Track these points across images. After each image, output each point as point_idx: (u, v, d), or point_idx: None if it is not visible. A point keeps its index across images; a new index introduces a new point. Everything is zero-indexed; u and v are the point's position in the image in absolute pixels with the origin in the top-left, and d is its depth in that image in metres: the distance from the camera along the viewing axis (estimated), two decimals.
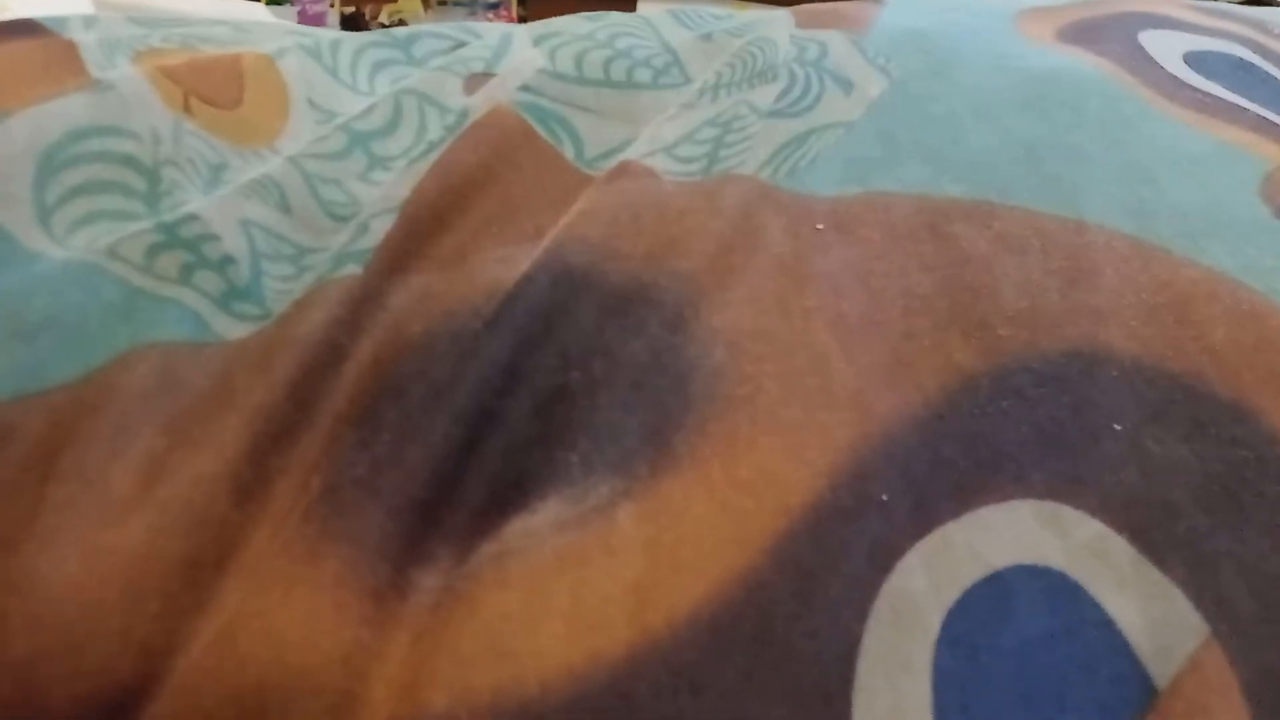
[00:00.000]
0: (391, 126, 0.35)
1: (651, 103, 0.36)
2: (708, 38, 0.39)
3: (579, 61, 0.37)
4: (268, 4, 1.30)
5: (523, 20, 1.39)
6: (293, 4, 1.32)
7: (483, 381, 0.27)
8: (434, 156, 0.33)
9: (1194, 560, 0.23)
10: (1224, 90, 0.35)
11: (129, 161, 0.32)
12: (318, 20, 1.28)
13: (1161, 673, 0.22)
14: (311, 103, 0.37)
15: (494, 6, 1.37)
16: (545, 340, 0.27)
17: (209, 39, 0.40)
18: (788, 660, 0.23)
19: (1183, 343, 0.26)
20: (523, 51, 0.38)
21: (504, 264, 0.30)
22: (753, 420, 0.26)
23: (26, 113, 0.31)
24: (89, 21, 0.41)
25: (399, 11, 1.38)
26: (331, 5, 1.29)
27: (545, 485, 0.25)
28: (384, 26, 1.36)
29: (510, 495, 0.25)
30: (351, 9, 1.37)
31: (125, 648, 0.24)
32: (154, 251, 0.29)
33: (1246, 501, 0.24)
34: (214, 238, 0.30)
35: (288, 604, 0.24)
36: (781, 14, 0.40)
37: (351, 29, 1.33)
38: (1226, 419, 0.25)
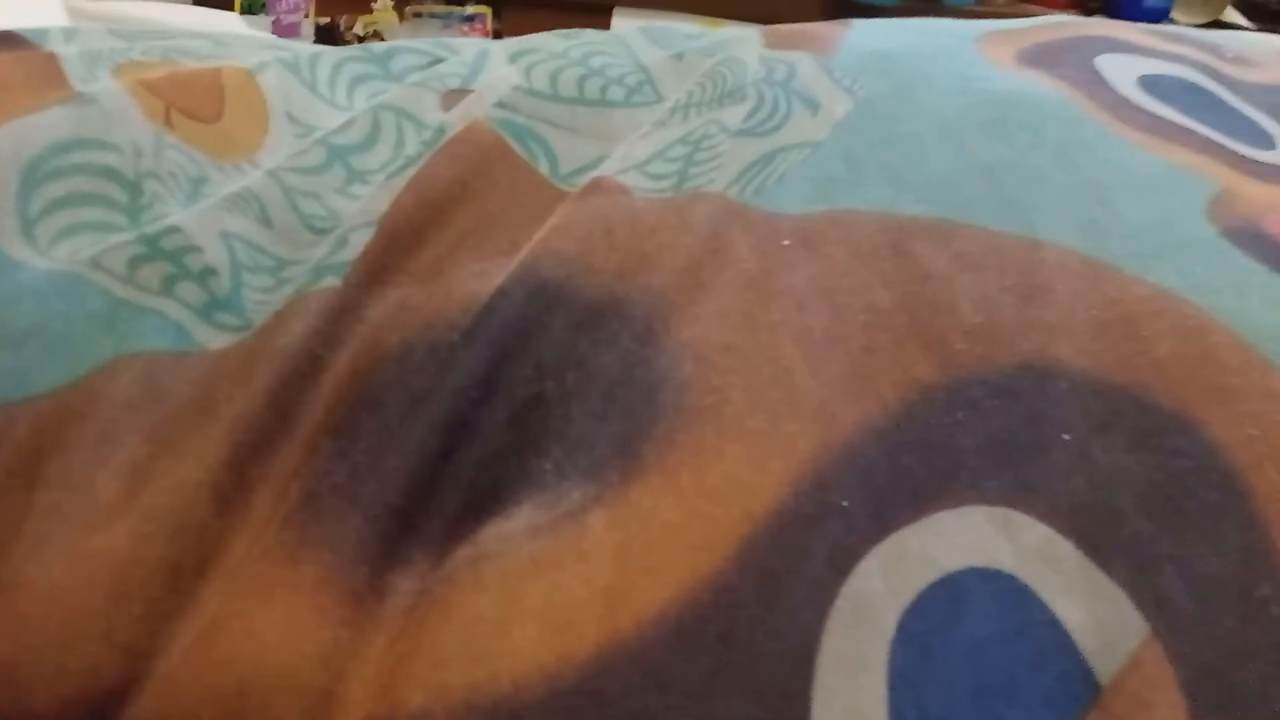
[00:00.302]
0: (370, 141, 0.35)
1: (624, 120, 0.37)
2: (679, 57, 0.40)
3: (554, 79, 0.37)
4: (242, 13, 1.30)
5: (498, 34, 1.39)
6: (267, 14, 1.32)
7: (459, 392, 0.27)
8: (412, 171, 0.34)
9: (1137, 564, 0.24)
10: (1176, 113, 0.36)
11: (111, 174, 0.32)
12: (292, 30, 1.28)
13: (1105, 670, 0.23)
14: (290, 117, 0.37)
15: (469, 20, 1.38)
16: (520, 352, 0.28)
17: (189, 52, 0.41)
18: (750, 660, 0.24)
19: (1130, 357, 0.27)
20: (499, 68, 0.39)
21: (480, 278, 0.30)
22: (719, 430, 0.27)
23: (9, 126, 0.32)
24: (69, 34, 0.41)
25: (374, 23, 1.38)
26: (306, 16, 1.29)
27: (520, 492, 0.26)
28: (359, 37, 1.36)
29: (485, 502, 0.26)
30: (326, 20, 1.37)
31: (109, 650, 0.24)
32: (136, 263, 0.30)
33: (1188, 508, 0.25)
34: (195, 249, 0.31)
35: (267, 607, 0.25)
36: (751, 34, 0.41)
37: (326, 39, 1.33)
38: (1170, 430, 0.26)
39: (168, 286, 0.30)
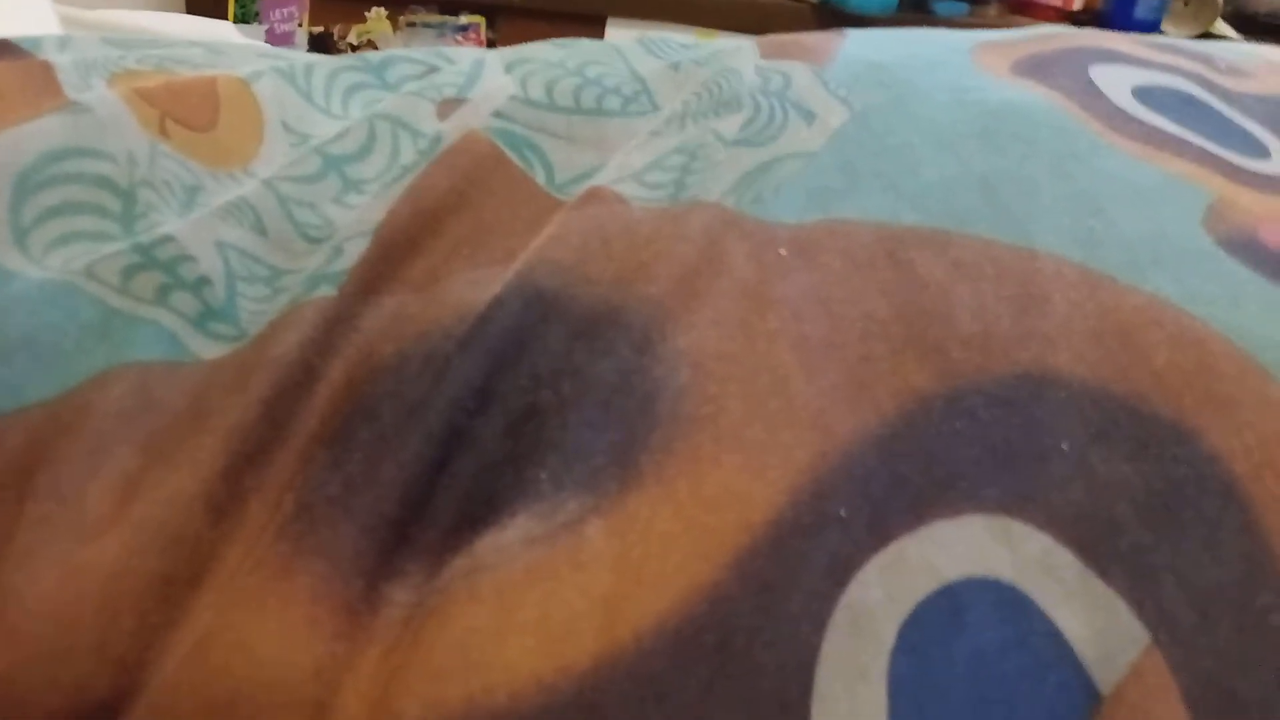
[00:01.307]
0: (365, 150, 0.35)
1: (620, 130, 0.37)
2: (675, 67, 0.40)
3: (550, 89, 0.37)
4: (235, 22, 1.30)
5: (492, 43, 1.39)
6: (260, 23, 1.32)
7: (455, 402, 0.27)
8: (408, 181, 0.34)
9: (1136, 573, 0.24)
10: (1170, 123, 0.37)
11: (104, 183, 0.32)
12: (286, 39, 1.28)
13: (1106, 680, 0.23)
14: (286, 126, 0.37)
15: (463, 29, 1.38)
16: (516, 361, 0.28)
17: (184, 61, 0.41)
18: (749, 671, 0.24)
19: (1127, 366, 0.27)
20: (494, 78, 0.39)
21: (475, 286, 0.30)
22: (717, 439, 0.26)
23: (3, 134, 0.32)
24: (63, 43, 0.41)
25: (368, 32, 1.38)
26: (300, 25, 1.29)
27: (516, 502, 0.26)
28: (353, 46, 1.37)
29: (481, 512, 0.26)
30: (320, 29, 1.37)
31: (101, 663, 0.24)
32: (130, 272, 0.30)
33: (1186, 517, 0.25)
34: (190, 259, 0.31)
35: (261, 619, 0.24)
36: (746, 44, 0.42)
37: (320, 48, 1.33)
38: (1168, 439, 0.26)
39: (162, 296, 0.30)
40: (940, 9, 1.36)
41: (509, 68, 0.39)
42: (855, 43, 0.41)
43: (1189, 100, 0.39)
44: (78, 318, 0.29)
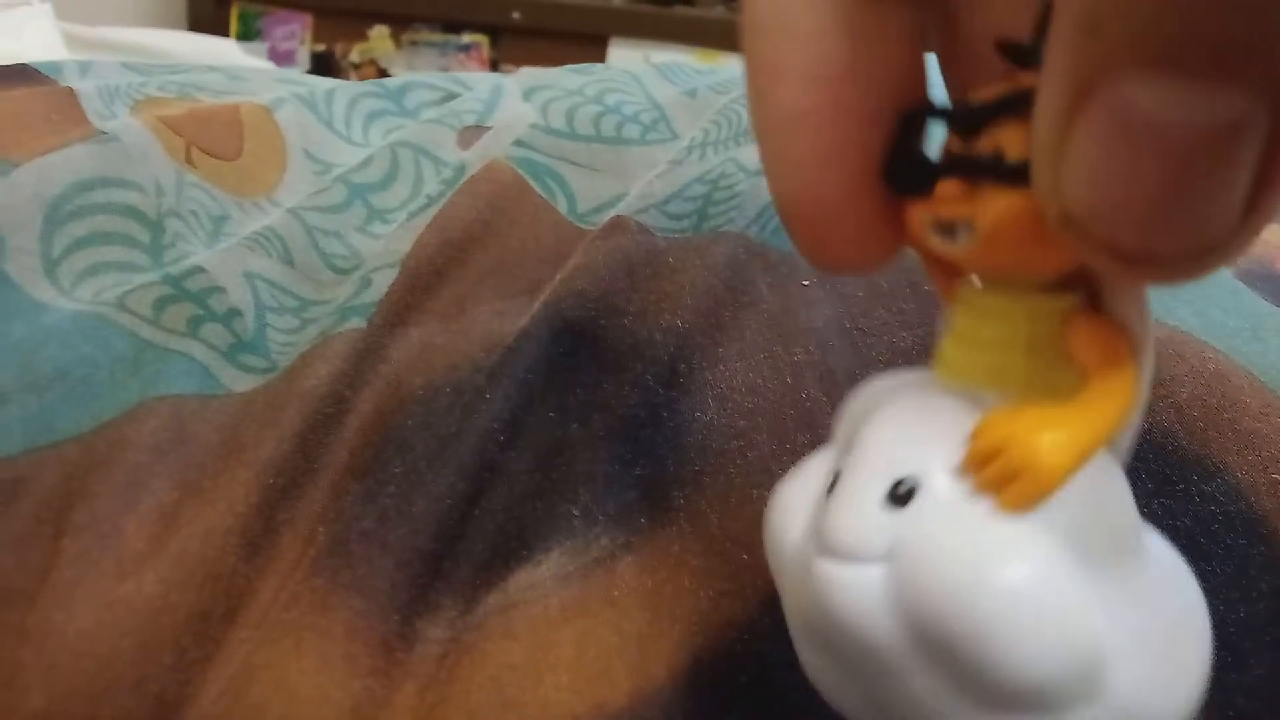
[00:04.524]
0: (389, 179, 0.36)
1: (640, 158, 0.37)
2: (692, 94, 0.40)
3: (570, 117, 0.38)
4: (238, 40, 1.30)
5: (494, 62, 1.40)
6: (263, 41, 1.33)
7: (486, 434, 0.27)
8: (433, 210, 0.34)
9: None
10: None
11: (133, 213, 0.32)
12: (288, 57, 1.28)
13: None
14: (308, 154, 0.37)
15: (466, 48, 1.39)
16: (545, 394, 0.28)
17: (205, 87, 0.41)
18: (783, 710, 0.24)
19: (1152, 401, 0.27)
20: (514, 105, 0.39)
21: (502, 318, 0.30)
22: (746, 474, 0.27)
23: (33, 164, 0.32)
24: (84, 67, 0.41)
25: (370, 50, 1.39)
26: (302, 43, 1.30)
27: (548, 537, 0.26)
28: (354, 65, 1.37)
29: (514, 547, 0.26)
30: (322, 47, 1.37)
31: (140, 699, 0.24)
32: (162, 304, 0.30)
33: (1214, 554, 0.25)
34: (220, 290, 0.31)
35: (298, 655, 0.24)
36: None
37: (322, 67, 1.33)
38: (1193, 475, 0.26)
39: (193, 328, 0.30)
40: None
41: (527, 94, 0.39)
42: None
43: None
44: (110, 350, 0.29)
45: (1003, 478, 0.15)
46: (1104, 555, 0.15)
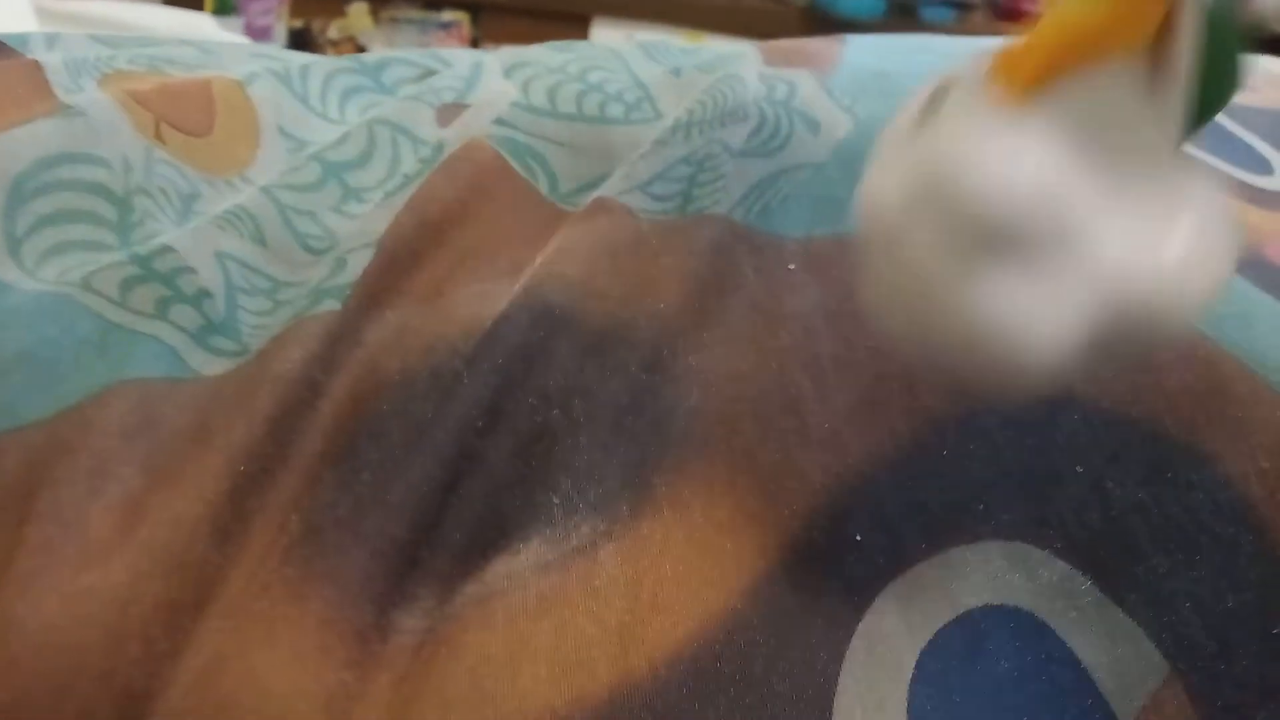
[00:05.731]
0: (365, 158, 0.35)
1: (624, 137, 0.36)
2: (677, 73, 0.39)
3: (552, 95, 0.37)
4: (214, 14, 1.28)
5: (475, 40, 1.38)
6: (239, 15, 1.31)
7: (464, 421, 0.27)
8: (410, 190, 0.33)
9: (1154, 600, 0.24)
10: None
11: (100, 190, 0.31)
12: (265, 33, 1.26)
13: (1125, 710, 0.23)
14: (282, 130, 0.36)
15: (446, 26, 1.37)
16: (525, 379, 0.28)
17: (176, 61, 0.40)
18: (766, 701, 0.23)
19: (1141, 388, 0.27)
20: (495, 83, 0.38)
21: (482, 300, 0.30)
22: (730, 461, 0.26)
23: None
24: (51, 40, 0.40)
25: (348, 27, 1.37)
26: (279, 18, 1.28)
27: (527, 526, 0.25)
28: (332, 41, 1.35)
29: (492, 536, 0.25)
30: (300, 23, 1.35)
31: (107, 691, 0.23)
32: (129, 284, 0.29)
33: (1202, 543, 0.25)
34: (189, 270, 0.30)
35: (270, 646, 0.24)
36: (749, 50, 0.41)
37: (300, 44, 1.31)
38: (1182, 463, 0.26)
39: (162, 310, 0.29)
40: (927, 14, 1.37)
41: (508, 72, 0.39)
42: (857, 51, 0.41)
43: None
44: (76, 332, 0.28)
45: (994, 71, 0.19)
46: (1109, 153, 0.19)
